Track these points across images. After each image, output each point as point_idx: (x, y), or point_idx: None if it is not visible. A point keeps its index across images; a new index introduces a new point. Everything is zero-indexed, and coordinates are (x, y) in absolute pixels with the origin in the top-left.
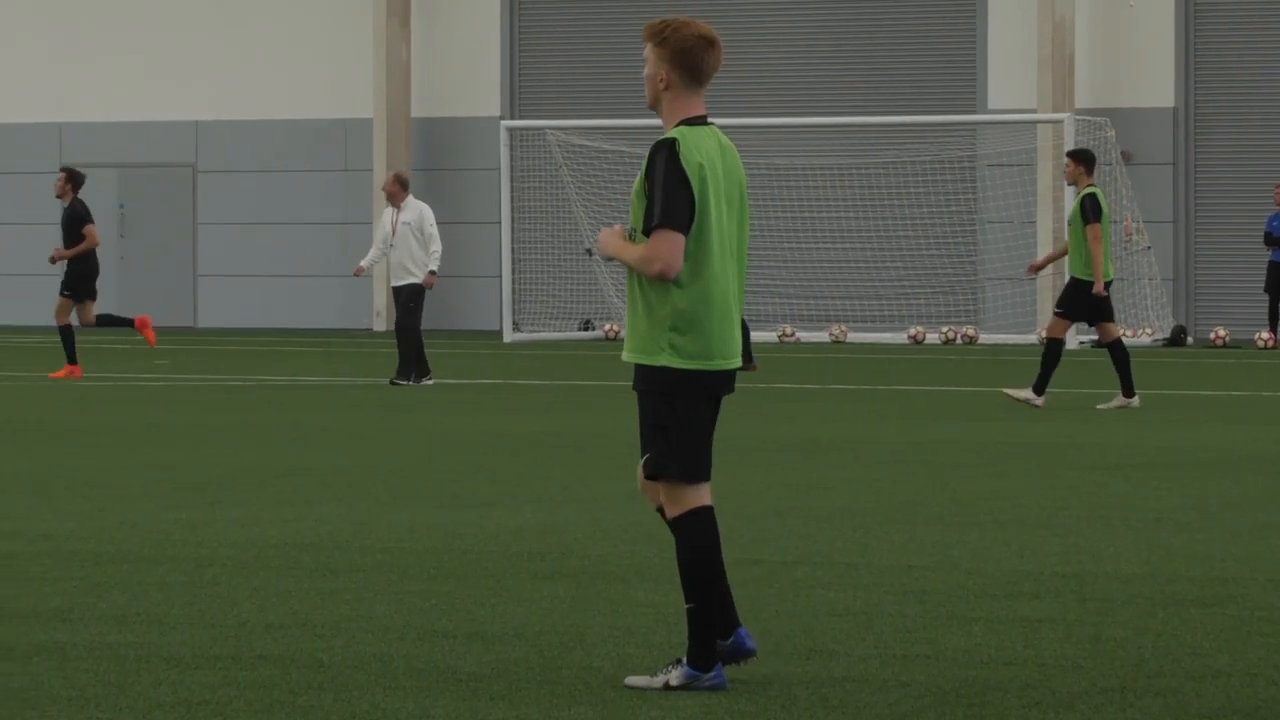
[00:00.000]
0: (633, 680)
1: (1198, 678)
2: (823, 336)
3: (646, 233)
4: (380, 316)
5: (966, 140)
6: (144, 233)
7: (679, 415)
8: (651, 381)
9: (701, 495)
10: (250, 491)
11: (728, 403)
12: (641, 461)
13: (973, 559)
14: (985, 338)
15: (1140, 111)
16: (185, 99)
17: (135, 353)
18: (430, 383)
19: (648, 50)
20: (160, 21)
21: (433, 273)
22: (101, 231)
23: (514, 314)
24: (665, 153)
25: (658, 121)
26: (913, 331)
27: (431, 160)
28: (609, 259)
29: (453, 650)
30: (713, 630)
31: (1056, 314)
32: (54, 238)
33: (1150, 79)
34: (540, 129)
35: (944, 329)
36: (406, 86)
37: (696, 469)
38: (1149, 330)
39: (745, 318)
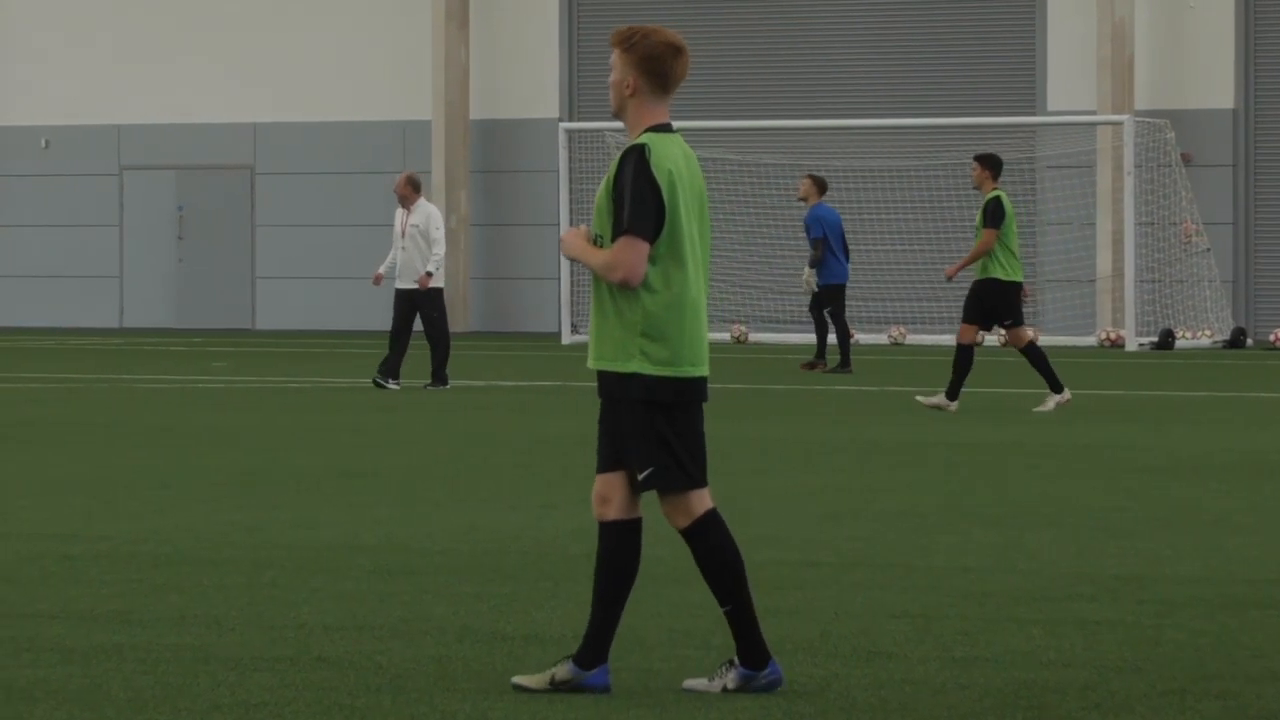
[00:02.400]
0: (690, 683)
1: (1257, 680)
2: (882, 338)
3: (614, 239)
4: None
5: (1026, 142)
6: (202, 235)
7: (671, 423)
8: (626, 389)
9: (704, 499)
10: (308, 493)
11: (789, 405)
12: (642, 475)
13: (1031, 561)
14: (1044, 340)
15: (1200, 113)
16: (244, 101)
17: (193, 354)
18: (395, 387)
19: (614, 56)
20: (219, 24)
21: (428, 274)
22: (160, 233)
23: (572, 316)
24: (635, 159)
25: (715, 124)
26: None
27: (490, 162)
28: (573, 260)
29: (511, 653)
30: (757, 626)
31: (965, 320)
32: (111, 239)
33: (1210, 80)
34: (599, 131)
35: (1003, 331)
36: (465, 88)
37: (695, 474)
38: (1208, 332)
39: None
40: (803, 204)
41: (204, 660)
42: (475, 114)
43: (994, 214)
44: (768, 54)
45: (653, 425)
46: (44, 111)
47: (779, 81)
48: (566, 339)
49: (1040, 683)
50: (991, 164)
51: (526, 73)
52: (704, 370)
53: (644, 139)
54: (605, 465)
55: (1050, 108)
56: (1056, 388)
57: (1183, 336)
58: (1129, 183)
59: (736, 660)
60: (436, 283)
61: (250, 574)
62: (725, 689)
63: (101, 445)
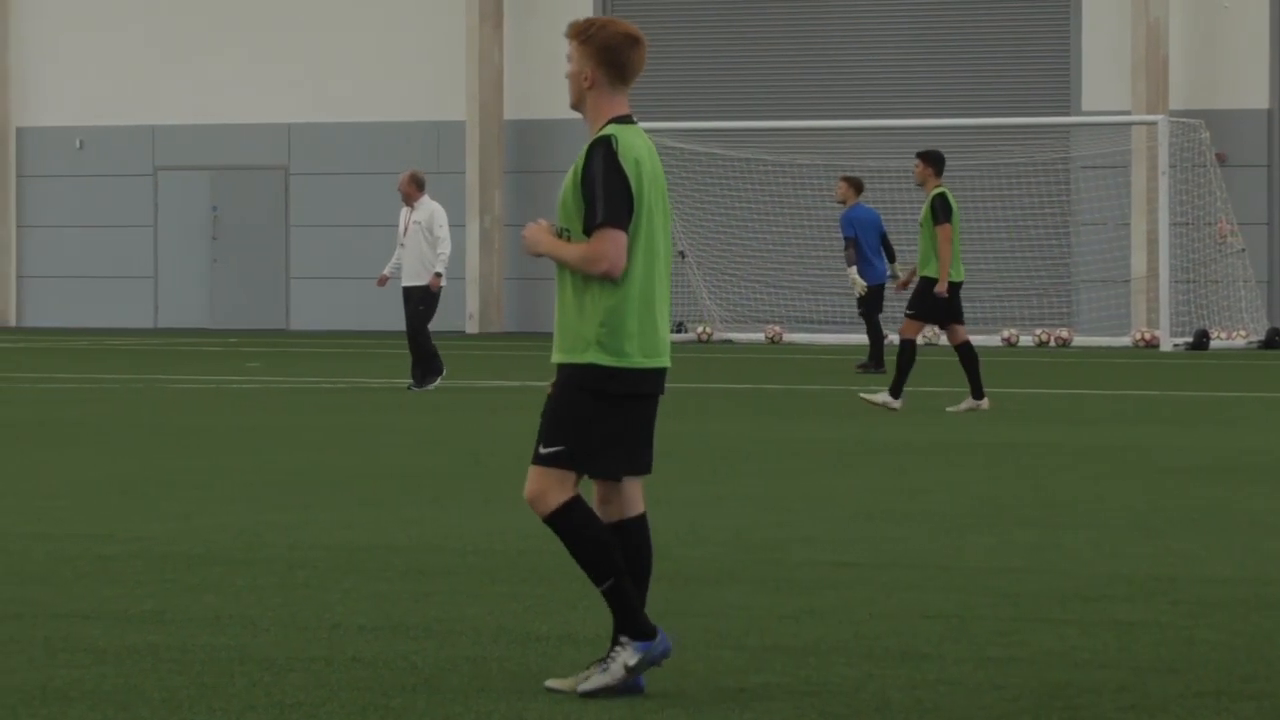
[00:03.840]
0: (587, 686)
1: None
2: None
3: (587, 232)
4: (474, 319)
5: (1060, 142)
6: (237, 235)
7: (602, 414)
8: (580, 377)
9: (566, 488)
10: (342, 494)
11: (824, 405)
12: (550, 450)
13: (1066, 561)
14: (1079, 340)
15: (1235, 113)
16: (278, 102)
17: (228, 355)
18: (436, 384)
19: (571, 48)
20: (254, 24)
21: (438, 274)
22: (195, 234)
23: None
24: (603, 150)
25: (755, 125)
26: (1006, 334)
27: (524, 162)
28: (538, 256)
29: (545, 653)
30: (635, 601)
31: (908, 315)
32: (145, 240)
33: (1245, 81)
34: None
35: (1038, 331)
36: (499, 88)
37: (594, 465)
38: (1243, 333)
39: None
40: (841, 205)
41: (239, 660)
42: (509, 114)
43: (943, 210)
44: (804, 54)
45: (581, 410)
46: (79, 112)
47: (815, 82)
48: None
49: (1075, 683)
50: (934, 161)
51: (561, 73)
52: (658, 362)
53: (610, 130)
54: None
55: (1085, 108)
56: (978, 393)
57: (1217, 337)
58: (1164, 183)
59: (625, 639)
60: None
61: (285, 574)
62: (627, 667)
63: (136, 445)
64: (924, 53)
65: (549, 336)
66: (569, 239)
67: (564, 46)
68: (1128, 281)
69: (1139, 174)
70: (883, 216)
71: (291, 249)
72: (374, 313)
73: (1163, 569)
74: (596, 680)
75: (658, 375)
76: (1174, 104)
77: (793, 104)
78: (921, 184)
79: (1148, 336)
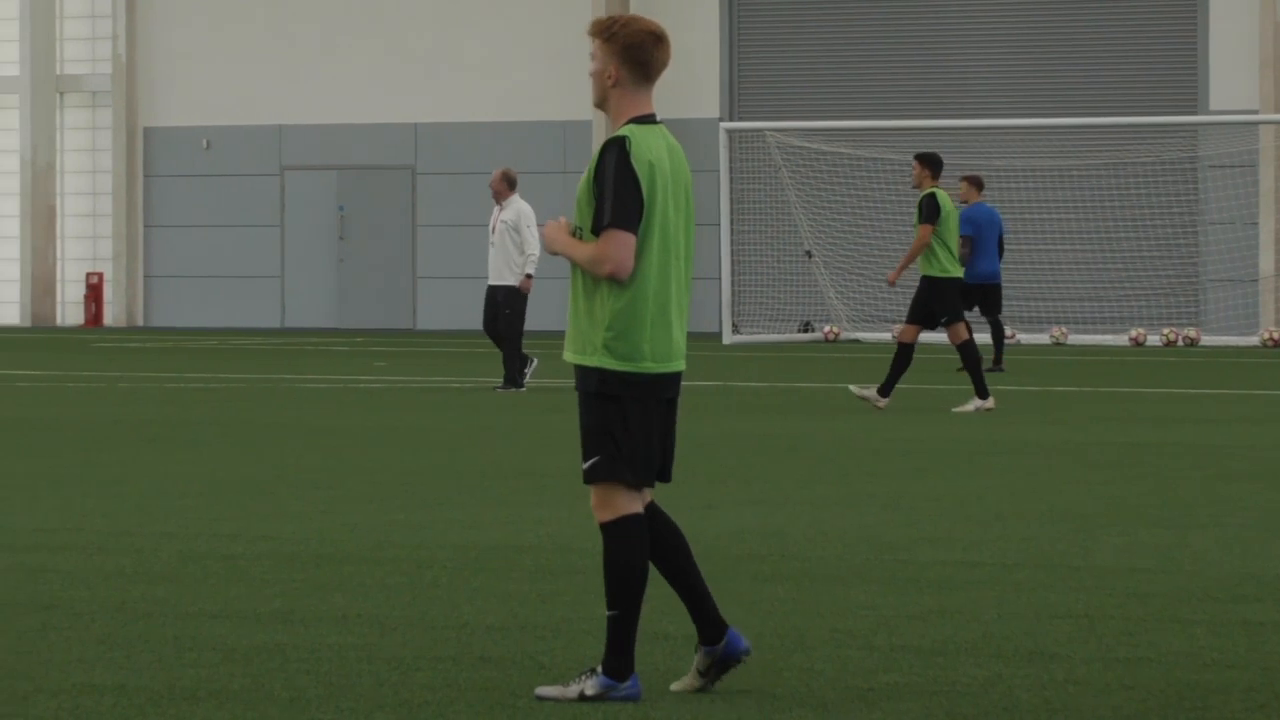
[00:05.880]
0: (544, 690)
1: None
2: (1043, 338)
3: (596, 232)
4: None
5: (1187, 141)
6: (363, 235)
7: (624, 418)
8: (588, 382)
9: (634, 502)
10: (469, 493)
11: (949, 404)
12: (586, 465)
13: (1195, 562)
14: (1207, 339)
15: None
16: (404, 101)
17: (354, 354)
18: (524, 385)
19: (595, 46)
20: (380, 25)
21: (529, 276)
22: (321, 233)
23: (733, 316)
24: (615, 151)
25: (879, 124)
26: (1134, 333)
27: None
28: (554, 254)
29: (673, 652)
30: (631, 640)
31: (908, 321)
32: (272, 239)
33: None
34: (759, 131)
35: (1165, 331)
36: None
37: (633, 473)
38: None
39: (1001, 319)
40: (963, 205)
41: (367, 660)
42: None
43: (928, 210)
44: (930, 54)
45: (603, 417)
46: (206, 112)
47: (941, 81)
48: (728, 339)
49: (1204, 684)
50: (931, 163)
51: (686, 72)
52: (670, 367)
53: (625, 131)
54: None
55: (1212, 107)
56: (982, 393)
57: None
58: None
59: (599, 668)
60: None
61: (413, 574)
62: (583, 695)
63: (264, 445)
64: (1051, 52)
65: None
66: (582, 238)
67: (690, 45)
68: (1255, 281)
69: (1267, 173)
70: (1005, 215)
71: (418, 248)
72: None
73: None
74: (553, 691)
75: (670, 380)
76: None
77: (918, 103)
78: (918, 185)
79: (1276, 336)
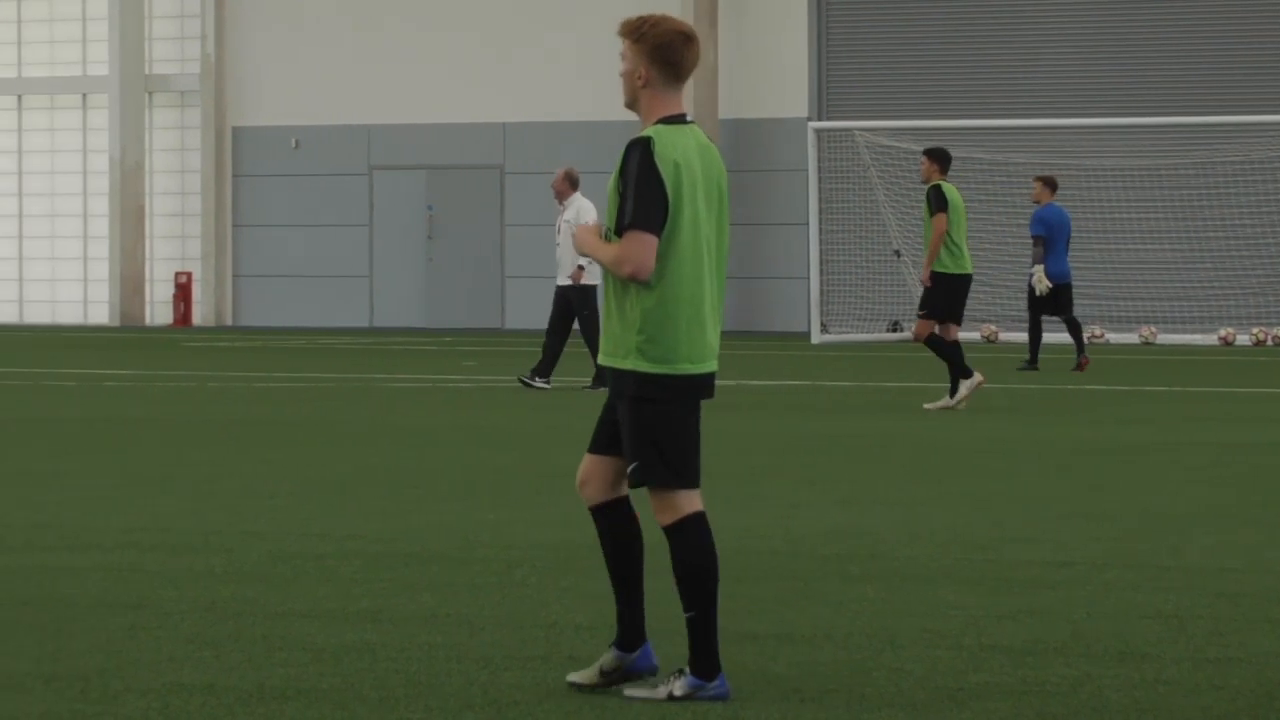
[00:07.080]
0: (633, 691)
1: None
2: (1132, 338)
3: (619, 233)
4: None
5: (1276, 140)
6: (452, 234)
7: (665, 421)
8: (624, 385)
9: (694, 501)
10: (559, 493)
11: (1046, 408)
12: (630, 469)
13: None
14: None
15: None
16: (492, 101)
17: (443, 354)
18: (545, 386)
19: (624, 47)
20: (467, 24)
21: (580, 268)
22: (410, 233)
23: (822, 315)
24: (639, 151)
25: (968, 123)
26: (1223, 333)
27: (739, 161)
28: (584, 256)
29: (762, 652)
30: (713, 638)
31: (920, 316)
32: (361, 239)
33: None
34: (848, 130)
35: (1255, 330)
36: (714, 88)
37: (684, 473)
38: None
39: (1076, 316)
40: (1035, 205)
41: (456, 659)
42: (724, 113)
43: (936, 200)
44: (1018, 53)
45: (643, 421)
46: (294, 112)
47: (1028, 81)
48: (816, 338)
49: None
50: (940, 158)
51: (776, 72)
52: (705, 367)
53: (650, 131)
54: (591, 446)
55: None
56: (960, 380)
57: None
58: None
59: (687, 669)
60: (590, 279)
61: (502, 573)
62: (671, 696)
63: (352, 445)
64: (1140, 51)
65: (765, 336)
66: (609, 239)
67: (779, 45)
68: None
69: None
70: (1094, 215)
71: (506, 248)
72: None
73: None
74: (643, 691)
75: (705, 380)
76: None
77: (1007, 103)
78: (927, 180)
79: None
